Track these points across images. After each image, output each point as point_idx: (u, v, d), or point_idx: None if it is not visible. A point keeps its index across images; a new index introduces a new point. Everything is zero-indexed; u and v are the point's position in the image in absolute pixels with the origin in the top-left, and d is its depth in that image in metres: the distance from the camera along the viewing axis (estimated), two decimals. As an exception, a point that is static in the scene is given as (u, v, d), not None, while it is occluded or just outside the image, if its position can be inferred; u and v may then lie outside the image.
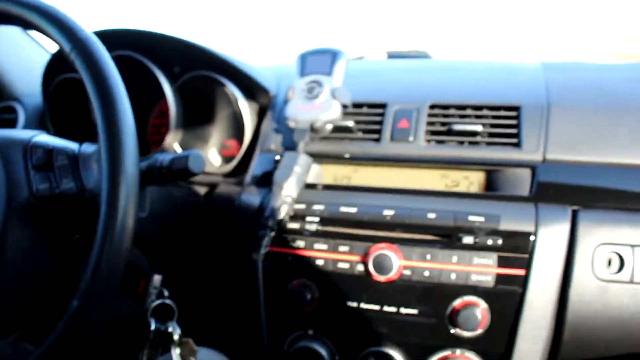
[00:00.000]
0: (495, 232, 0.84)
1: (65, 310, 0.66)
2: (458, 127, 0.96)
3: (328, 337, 0.94)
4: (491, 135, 0.96)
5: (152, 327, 0.87)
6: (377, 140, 0.99)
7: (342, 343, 0.94)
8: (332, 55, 1.00)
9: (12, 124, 1.27)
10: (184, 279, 1.04)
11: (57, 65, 1.17)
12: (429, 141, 0.98)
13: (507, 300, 0.84)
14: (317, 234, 0.92)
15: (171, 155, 0.81)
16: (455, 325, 0.86)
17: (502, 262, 0.84)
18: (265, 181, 1.01)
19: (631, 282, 0.81)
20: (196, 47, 1.10)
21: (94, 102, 0.68)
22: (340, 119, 0.98)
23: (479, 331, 0.86)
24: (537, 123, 0.94)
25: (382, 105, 1.03)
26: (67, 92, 1.19)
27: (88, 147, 0.78)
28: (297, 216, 0.92)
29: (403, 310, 0.88)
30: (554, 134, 0.93)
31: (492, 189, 0.92)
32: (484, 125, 0.96)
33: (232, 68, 1.10)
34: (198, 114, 1.19)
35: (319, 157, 1.00)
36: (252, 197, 0.99)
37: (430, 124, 0.99)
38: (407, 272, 0.87)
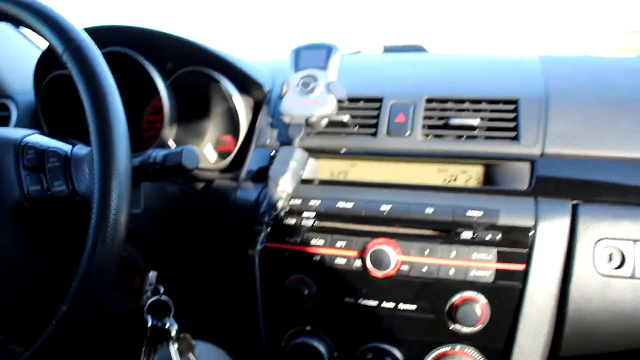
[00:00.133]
0: (494, 227, 0.83)
1: (56, 310, 0.65)
2: (455, 121, 0.95)
3: (326, 333, 0.94)
4: (489, 129, 0.95)
5: (149, 323, 0.87)
6: (374, 134, 0.98)
7: (340, 339, 0.93)
8: (327, 50, 0.99)
9: (4, 121, 1.25)
10: (179, 276, 1.03)
11: (49, 62, 1.15)
12: (426, 135, 0.97)
13: (507, 296, 0.83)
14: (313, 230, 0.90)
15: (164, 151, 0.80)
16: (454, 321, 0.85)
17: (502, 257, 0.83)
18: (261, 177, 1.00)
19: (632, 277, 0.80)
20: (189, 42, 1.08)
21: (84, 100, 0.67)
22: (336, 113, 0.97)
23: (479, 327, 0.85)
24: (535, 117, 0.93)
25: (379, 100, 1.01)
26: (60, 89, 1.18)
27: (80, 149, 0.77)
28: (294, 211, 0.91)
29: (401, 306, 0.87)
30: (552, 127, 0.92)
31: (490, 183, 0.91)
32: (481, 119, 0.95)
33: (225, 63, 1.09)
34: (193, 109, 1.18)
35: (315, 152, 0.99)
36: (247, 192, 0.98)
37: (427, 118, 0.98)
38: (405, 268, 0.86)
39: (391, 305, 0.88)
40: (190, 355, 0.88)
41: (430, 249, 0.85)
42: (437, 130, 0.97)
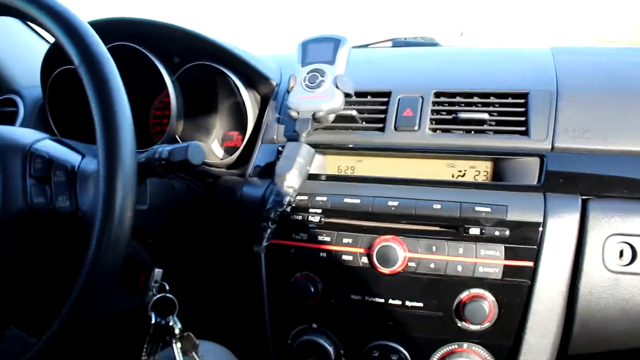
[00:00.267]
0: (502, 223, 0.82)
1: (59, 307, 0.65)
2: (464, 116, 0.93)
3: (332, 330, 0.93)
4: (498, 123, 0.93)
5: (153, 321, 0.87)
6: (382, 129, 0.97)
7: (347, 336, 0.93)
8: (335, 43, 0.97)
9: (12, 116, 1.25)
10: (185, 273, 1.03)
11: (56, 57, 1.15)
12: (434, 130, 0.95)
13: (515, 293, 0.82)
14: (320, 226, 0.90)
15: (170, 147, 0.79)
16: (461, 319, 0.84)
17: (510, 254, 0.82)
18: (268, 172, 0.99)
19: (644, 274, 0.79)
20: (197, 36, 1.07)
21: (90, 96, 0.67)
22: (343, 108, 0.96)
23: (486, 324, 0.84)
24: (545, 111, 0.91)
25: (386, 94, 1.00)
26: (67, 84, 1.18)
27: (88, 164, 0.77)
28: (300, 208, 0.91)
29: (408, 303, 0.87)
30: (563, 121, 0.90)
31: (499, 178, 0.90)
32: (490, 113, 0.94)
33: (233, 57, 1.08)
34: (199, 104, 1.17)
35: (322, 148, 0.98)
36: (254, 188, 0.97)
37: (435, 112, 0.97)
38: (412, 264, 0.85)
39: (398, 302, 0.87)
40: (194, 354, 0.88)
41: (438, 246, 0.84)
42: (445, 124, 0.95)
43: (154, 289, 0.82)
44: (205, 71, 1.11)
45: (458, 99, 0.97)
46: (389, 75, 1.07)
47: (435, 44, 1.45)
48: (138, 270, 0.82)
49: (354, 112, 0.98)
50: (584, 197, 0.83)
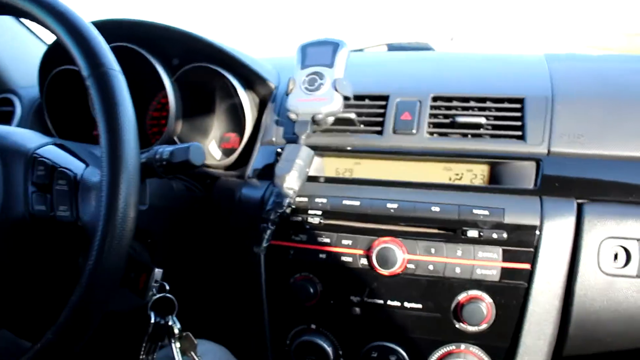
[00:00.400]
0: (500, 226, 0.83)
1: (53, 311, 0.65)
2: (461, 120, 0.94)
3: (331, 331, 0.94)
4: (495, 127, 0.94)
5: (152, 320, 0.87)
6: (380, 132, 0.98)
7: (345, 337, 0.93)
8: (334, 46, 0.98)
9: (8, 116, 1.25)
10: (184, 273, 1.03)
11: (54, 57, 1.15)
12: (432, 133, 0.96)
13: (512, 295, 0.83)
14: (319, 228, 0.90)
15: (171, 148, 0.80)
16: (459, 320, 0.85)
17: (507, 256, 0.83)
18: (267, 174, 1.00)
19: (638, 276, 0.80)
20: (196, 38, 1.08)
21: (94, 97, 0.67)
22: (342, 111, 0.97)
23: (484, 326, 0.85)
24: (541, 115, 0.93)
25: (385, 97, 1.01)
26: (65, 84, 1.18)
27: (91, 175, 0.77)
28: (300, 209, 0.91)
29: (407, 305, 0.88)
30: (558, 126, 0.91)
31: (496, 182, 0.91)
32: (487, 117, 0.95)
33: (232, 59, 1.08)
34: (197, 106, 1.18)
35: (320, 150, 0.99)
36: (253, 190, 0.98)
37: (433, 116, 0.98)
38: (411, 266, 0.86)
39: (397, 303, 0.88)
40: (193, 354, 0.88)
41: (436, 248, 0.86)
42: (443, 128, 0.97)
43: (154, 289, 0.82)
44: (203, 73, 1.11)
45: (455, 103, 0.99)
46: (386, 78, 1.08)
47: (429, 49, 1.46)
48: (138, 270, 0.82)
49: (352, 115, 0.98)
50: (579, 201, 0.85)
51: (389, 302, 0.88)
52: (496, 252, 0.83)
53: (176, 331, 0.87)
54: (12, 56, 1.32)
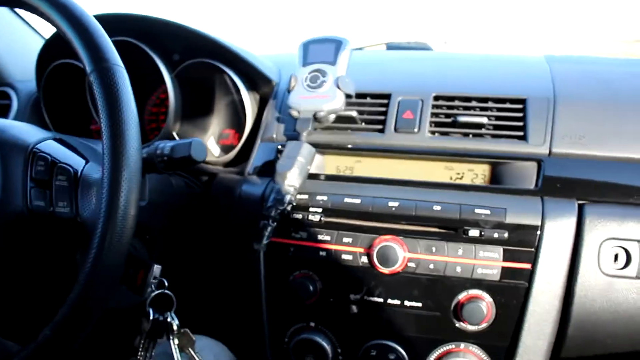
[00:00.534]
0: (501, 226, 0.83)
1: (44, 310, 0.65)
2: (463, 119, 0.94)
3: (330, 329, 0.93)
4: (496, 127, 0.95)
5: (150, 317, 0.86)
6: (381, 131, 0.98)
7: (345, 335, 0.93)
8: (337, 44, 0.97)
9: (5, 109, 1.24)
10: (182, 270, 1.02)
11: (51, 51, 1.14)
12: (433, 132, 0.96)
13: (512, 295, 0.84)
14: (320, 225, 0.90)
15: (172, 143, 0.79)
16: (459, 319, 0.85)
17: (508, 256, 0.83)
18: (267, 171, 1.00)
19: (637, 277, 0.81)
20: (197, 33, 1.07)
21: (97, 92, 0.66)
22: (344, 108, 0.96)
23: (484, 325, 0.85)
24: (543, 116, 0.93)
25: (387, 96, 1.01)
26: (62, 77, 1.17)
27: (92, 171, 0.76)
28: (300, 207, 0.91)
29: (407, 303, 0.87)
30: (560, 127, 0.92)
31: (497, 182, 0.92)
32: (489, 117, 0.95)
33: (233, 56, 1.08)
34: (197, 102, 1.17)
35: (321, 147, 0.99)
36: (253, 187, 0.97)
37: (434, 115, 0.98)
38: (411, 265, 0.86)
39: (397, 302, 0.88)
40: (190, 351, 0.88)
41: (437, 247, 0.85)
42: (444, 127, 0.96)
43: (152, 285, 0.82)
44: (204, 69, 1.10)
45: (457, 102, 0.99)
46: (388, 77, 1.08)
47: (428, 49, 1.46)
48: (137, 266, 0.82)
49: (354, 113, 0.98)
50: (580, 202, 0.85)
51: (389, 301, 0.88)
52: (497, 252, 0.84)
53: (175, 327, 0.86)
54: (10, 49, 1.31)
